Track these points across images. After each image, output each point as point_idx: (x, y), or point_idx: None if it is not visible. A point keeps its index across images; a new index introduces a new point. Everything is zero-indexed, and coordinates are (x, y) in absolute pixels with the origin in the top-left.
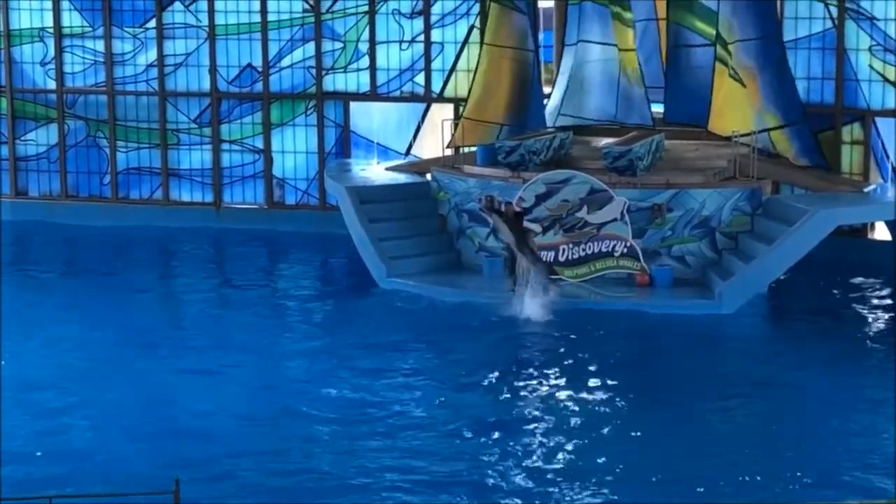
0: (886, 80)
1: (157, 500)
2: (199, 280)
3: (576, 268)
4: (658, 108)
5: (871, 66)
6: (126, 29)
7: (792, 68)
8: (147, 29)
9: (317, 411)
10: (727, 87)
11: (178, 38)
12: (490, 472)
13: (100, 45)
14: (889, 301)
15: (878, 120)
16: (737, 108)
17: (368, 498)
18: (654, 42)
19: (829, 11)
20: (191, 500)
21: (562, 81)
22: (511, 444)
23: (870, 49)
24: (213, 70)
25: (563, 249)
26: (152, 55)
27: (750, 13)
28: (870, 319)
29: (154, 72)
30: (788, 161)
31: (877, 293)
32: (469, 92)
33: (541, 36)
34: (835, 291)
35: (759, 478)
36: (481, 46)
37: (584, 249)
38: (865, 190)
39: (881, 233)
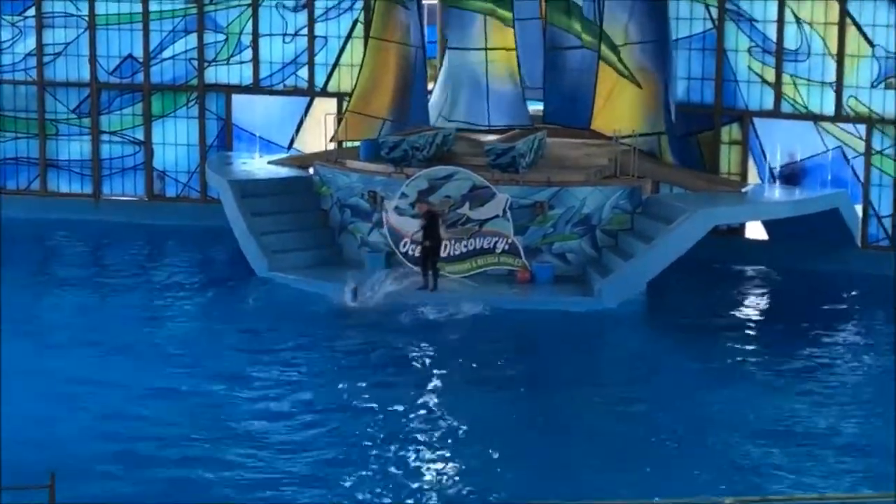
0: (765, 81)
1: (33, 494)
2: (76, 273)
3: (457, 264)
4: (538, 107)
5: (749, 68)
6: (4, 17)
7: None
8: (26, 17)
9: (197, 401)
10: (618, 88)
11: (58, 27)
12: (359, 471)
13: None
14: (762, 298)
15: (757, 120)
16: (626, 109)
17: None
18: (537, 41)
19: (709, 12)
20: (66, 495)
21: (441, 81)
22: (385, 444)
23: (749, 50)
24: (93, 60)
25: (446, 245)
26: (31, 44)
27: (647, 16)
28: (743, 316)
29: (33, 61)
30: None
31: (751, 290)
32: (354, 86)
33: (426, 32)
34: (711, 289)
35: (628, 474)
36: (366, 41)
37: (465, 246)
38: (743, 190)
39: (757, 232)
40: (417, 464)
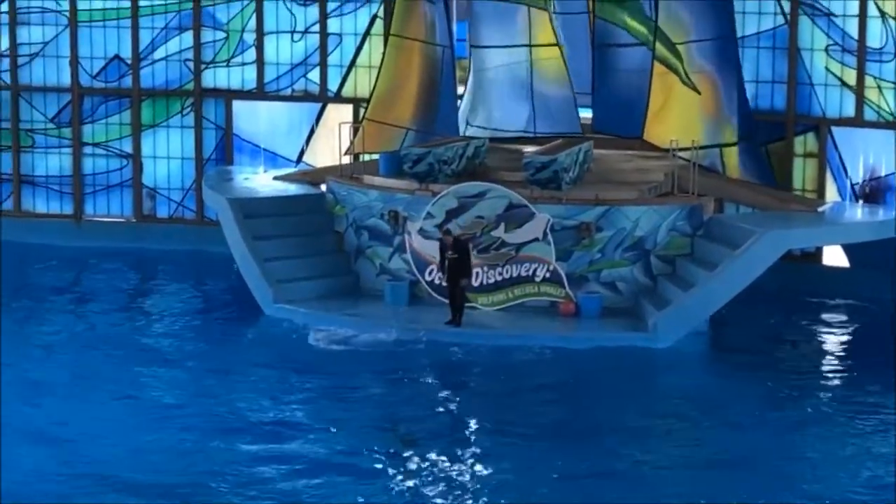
0: (845, 84)
1: None
2: (55, 305)
3: (491, 294)
4: (586, 114)
5: (827, 69)
6: None
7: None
8: None
9: (190, 463)
10: (675, 93)
11: (35, 25)
12: None
13: None
14: (842, 336)
15: (835, 129)
16: (683, 117)
17: None
18: (584, 40)
19: (780, 6)
20: None
21: (471, 84)
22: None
23: (826, 49)
24: (75, 62)
25: (477, 273)
26: (4, 43)
27: (708, 9)
28: (821, 357)
29: (6, 63)
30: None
31: (830, 327)
32: (372, 90)
33: (456, 28)
34: (783, 324)
35: None
36: (386, 38)
37: (500, 273)
38: (820, 209)
39: (837, 258)
40: None
